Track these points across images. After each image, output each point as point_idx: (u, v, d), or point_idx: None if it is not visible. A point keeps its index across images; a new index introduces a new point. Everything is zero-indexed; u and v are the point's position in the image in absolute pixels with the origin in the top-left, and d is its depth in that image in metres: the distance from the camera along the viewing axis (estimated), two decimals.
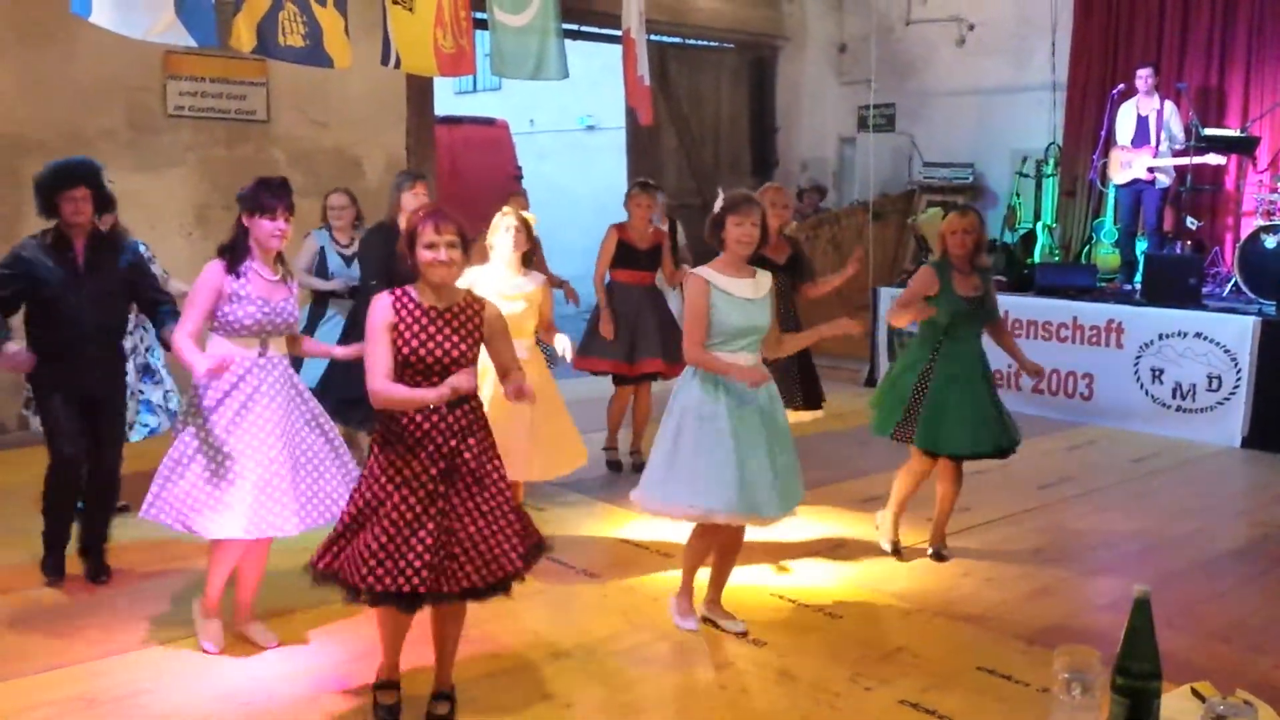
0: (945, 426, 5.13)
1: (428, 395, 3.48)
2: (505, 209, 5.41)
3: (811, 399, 6.29)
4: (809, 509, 6.07)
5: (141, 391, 5.80)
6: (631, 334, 6.78)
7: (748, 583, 5.08)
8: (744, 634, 4.52)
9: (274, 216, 4.12)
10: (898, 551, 5.48)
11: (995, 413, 5.22)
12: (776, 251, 6.00)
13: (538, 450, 5.28)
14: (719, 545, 4.58)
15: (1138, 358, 8.46)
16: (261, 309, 4.13)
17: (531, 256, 5.44)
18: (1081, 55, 10.95)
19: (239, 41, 6.10)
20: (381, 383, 3.53)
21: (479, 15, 7.48)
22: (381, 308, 3.58)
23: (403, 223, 4.67)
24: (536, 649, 4.36)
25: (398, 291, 3.62)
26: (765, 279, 4.43)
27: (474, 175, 12.25)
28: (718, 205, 4.35)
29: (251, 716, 3.79)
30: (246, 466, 4.04)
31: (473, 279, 4.93)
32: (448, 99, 16.13)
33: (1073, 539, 5.95)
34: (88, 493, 5.03)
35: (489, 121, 14.42)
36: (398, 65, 6.98)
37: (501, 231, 5.31)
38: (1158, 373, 8.36)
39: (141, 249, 5.75)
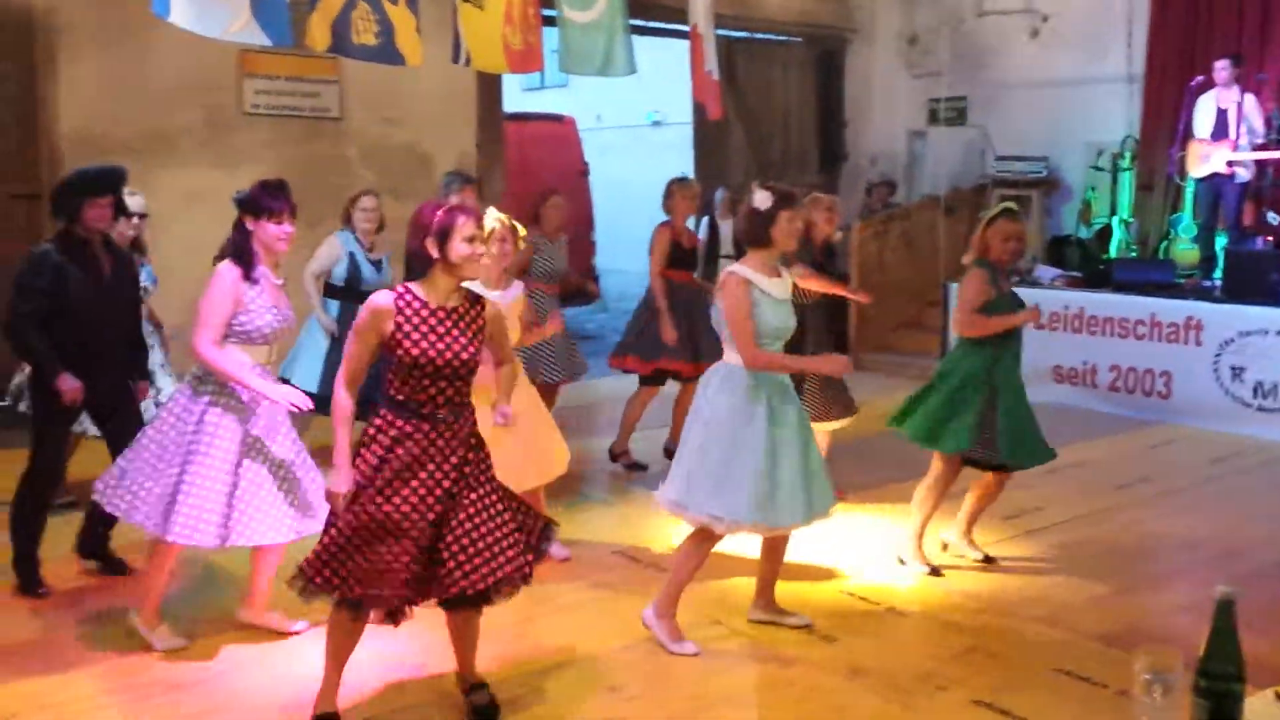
0: (1027, 439, 5.02)
1: (340, 480, 3.37)
2: (497, 215, 4.87)
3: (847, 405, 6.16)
4: (878, 507, 6.04)
5: (160, 389, 5.83)
6: (690, 332, 6.66)
7: (816, 580, 5.06)
8: (808, 626, 4.49)
9: (280, 220, 4.06)
10: (935, 571, 5.20)
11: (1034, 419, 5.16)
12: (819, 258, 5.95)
13: (529, 459, 5.04)
14: (767, 547, 4.50)
15: (1217, 355, 8.27)
16: (276, 316, 4.11)
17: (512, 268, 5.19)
18: (1159, 46, 10.70)
19: (313, 40, 6.18)
20: (343, 391, 3.42)
21: (547, 12, 7.52)
22: (381, 306, 3.36)
23: None
24: (604, 642, 4.37)
25: (401, 289, 3.41)
26: (788, 279, 4.36)
27: (541, 171, 12.28)
28: (766, 201, 4.17)
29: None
30: (256, 476, 4.06)
31: None
32: (515, 96, 16.21)
33: (1150, 540, 5.84)
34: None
35: (556, 118, 14.47)
36: (468, 63, 7.03)
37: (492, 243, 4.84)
38: (1238, 371, 8.16)
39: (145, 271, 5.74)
